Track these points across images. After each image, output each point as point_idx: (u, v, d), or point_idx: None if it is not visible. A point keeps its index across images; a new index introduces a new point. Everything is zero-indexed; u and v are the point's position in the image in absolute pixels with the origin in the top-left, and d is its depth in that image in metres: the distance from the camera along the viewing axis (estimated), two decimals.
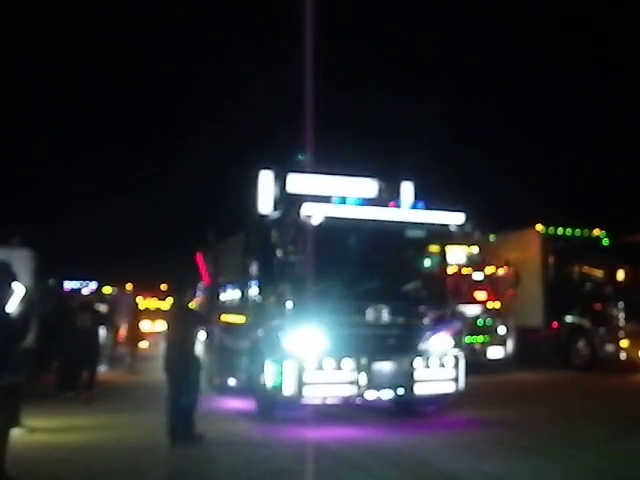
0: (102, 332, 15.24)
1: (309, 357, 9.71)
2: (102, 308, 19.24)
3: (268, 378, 10.11)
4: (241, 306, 12.03)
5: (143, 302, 27.73)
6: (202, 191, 34.25)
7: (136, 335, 19.28)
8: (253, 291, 11.32)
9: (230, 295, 13.18)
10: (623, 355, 17.51)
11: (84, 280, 29.71)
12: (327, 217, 9.79)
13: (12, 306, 7.18)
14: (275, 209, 10.96)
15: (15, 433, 7.98)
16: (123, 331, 20.58)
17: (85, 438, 8.95)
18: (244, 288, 11.80)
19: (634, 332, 17.33)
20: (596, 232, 20.03)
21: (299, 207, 9.59)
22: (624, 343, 17.53)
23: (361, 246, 10.46)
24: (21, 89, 29.23)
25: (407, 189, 12.18)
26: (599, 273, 18.61)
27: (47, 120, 35.80)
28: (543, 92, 30.59)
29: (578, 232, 19.88)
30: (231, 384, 12.75)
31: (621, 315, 17.67)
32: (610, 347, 17.74)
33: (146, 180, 36.72)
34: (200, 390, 9.30)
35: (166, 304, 24.15)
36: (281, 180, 11.07)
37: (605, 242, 19.82)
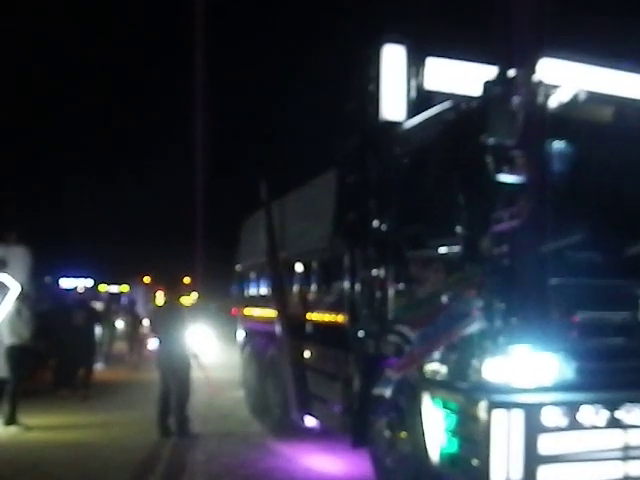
0: (98, 330, 14.65)
1: (546, 401, 4.28)
2: (98, 306, 18.53)
3: (433, 440, 4.76)
4: (334, 294, 6.85)
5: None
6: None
7: (138, 331, 17.71)
8: (375, 267, 5.73)
9: (305, 278, 7.78)
10: None
11: (81, 277, 29.05)
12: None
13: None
14: (410, 114, 5.65)
15: (11, 431, 8.43)
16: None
17: (81, 436, 8.52)
18: (342, 265, 6.43)
19: None
20: None
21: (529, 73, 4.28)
22: None
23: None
24: (20, 78, 26.38)
25: None
26: None
27: (47, 111, 32.73)
28: None
29: None
30: (308, 424, 7.66)
31: None
32: None
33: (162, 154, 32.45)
34: (190, 387, 8.58)
35: (189, 299, 21.67)
36: (418, 66, 5.85)
37: None
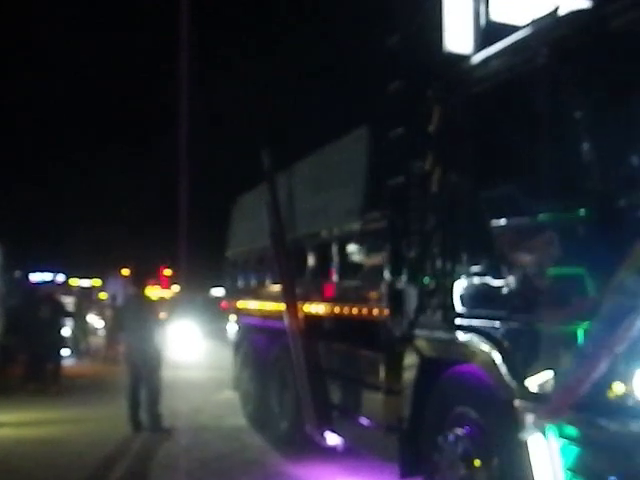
0: (69, 324, 14.63)
1: None
2: (68, 300, 18.16)
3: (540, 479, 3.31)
4: (366, 281, 5.43)
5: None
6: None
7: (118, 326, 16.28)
8: (435, 244, 4.35)
9: (323, 262, 6.29)
10: None
11: (52, 272, 28.46)
12: None
13: None
14: (478, 46, 4.29)
15: None
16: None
17: (52, 432, 8.41)
18: (379, 244, 5.16)
19: None
20: None
21: None
22: None
23: None
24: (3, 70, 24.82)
25: None
26: None
27: (23, 99, 31.06)
28: None
29: None
30: (330, 442, 6.09)
31: None
32: None
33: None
34: (160, 381, 8.38)
35: (170, 292, 20.56)
36: None
37: None
